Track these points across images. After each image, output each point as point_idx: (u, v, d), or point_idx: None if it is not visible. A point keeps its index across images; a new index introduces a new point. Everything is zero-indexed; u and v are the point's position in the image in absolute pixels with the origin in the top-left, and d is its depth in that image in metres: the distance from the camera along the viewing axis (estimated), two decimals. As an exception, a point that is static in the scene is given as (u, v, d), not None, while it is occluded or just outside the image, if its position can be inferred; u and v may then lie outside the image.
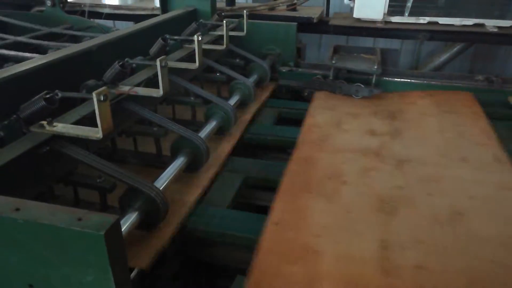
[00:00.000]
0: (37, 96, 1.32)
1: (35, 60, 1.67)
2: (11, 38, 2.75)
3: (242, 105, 2.50)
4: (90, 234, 0.83)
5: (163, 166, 1.69)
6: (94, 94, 1.22)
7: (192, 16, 3.21)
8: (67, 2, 3.84)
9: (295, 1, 3.50)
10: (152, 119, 1.74)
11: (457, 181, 1.74)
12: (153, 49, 2.06)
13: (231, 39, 2.83)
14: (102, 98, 1.23)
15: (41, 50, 2.81)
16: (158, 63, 1.60)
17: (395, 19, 3.37)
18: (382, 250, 1.34)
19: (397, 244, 1.36)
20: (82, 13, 3.96)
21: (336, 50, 3.06)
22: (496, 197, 1.64)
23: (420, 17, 3.31)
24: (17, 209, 0.89)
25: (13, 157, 1.20)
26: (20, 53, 2.29)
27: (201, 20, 2.65)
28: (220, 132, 2.13)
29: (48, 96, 1.29)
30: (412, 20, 3.34)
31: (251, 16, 3.55)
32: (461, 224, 1.47)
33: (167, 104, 2.28)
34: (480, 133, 2.18)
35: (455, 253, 1.33)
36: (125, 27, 2.98)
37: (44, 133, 1.34)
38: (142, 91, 1.69)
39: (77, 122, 1.44)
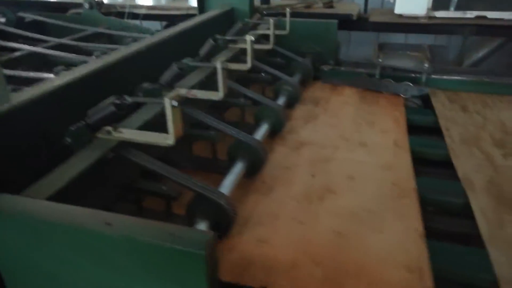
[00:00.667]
0: (106, 102, 1.28)
1: (92, 63, 1.65)
2: (54, 40, 2.76)
3: (288, 106, 2.43)
4: (189, 253, 0.79)
5: (220, 171, 1.65)
6: (166, 99, 1.17)
7: (230, 15, 3.16)
8: (103, 4, 3.86)
9: (335, -2, 3.41)
10: (209, 123, 1.69)
11: (345, 163, 1.86)
12: (203, 50, 2.02)
13: (264, 37, 2.77)
14: (175, 103, 1.19)
15: (85, 52, 2.83)
16: (218, 65, 1.55)
17: (440, 13, 3.24)
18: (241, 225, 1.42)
19: (256, 219, 1.45)
20: (117, 15, 3.96)
21: (381, 47, 2.96)
22: (373, 176, 1.76)
23: (467, 11, 3.17)
24: (108, 224, 0.86)
25: (86, 166, 1.17)
26: (68, 55, 2.28)
27: (246, 19, 2.58)
28: (272, 134, 2.08)
29: (118, 102, 1.26)
30: (458, 14, 3.20)
31: (292, 14, 3.48)
32: (328, 201, 1.58)
33: (215, 106, 2.23)
34: (392, 121, 2.32)
35: (308, 225, 1.43)
36: (158, 28, 2.97)
37: (111, 140, 1.31)
38: (201, 94, 1.65)
39: (141, 128, 1.41)
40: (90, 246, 0.88)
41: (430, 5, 3.24)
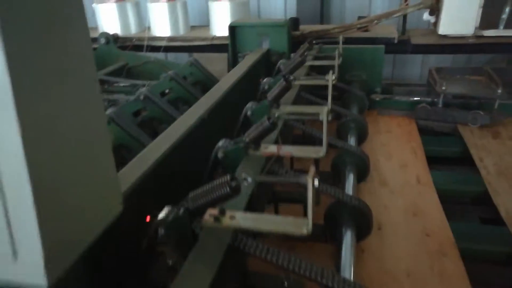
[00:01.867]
0: (216, 182, 0.98)
1: (173, 131, 1.37)
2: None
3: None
4: None
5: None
6: (308, 179, 0.88)
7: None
8: (118, 38, 3.59)
9: (375, 22, 3.18)
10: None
11: None
12: (273, 93, 1.73)
13: (318, 68, 2.52)
14: (316, 183, 0.90)
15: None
16: (324, 116, 1.27)
17: (489, 32, 3.03)
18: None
19: None
20: (134, 48, 3.68)
21: (435, 72, 2.72)
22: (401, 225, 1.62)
23: (518, 29, 2.97)
24: None
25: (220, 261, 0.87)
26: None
27: (306, 53, 2.31)
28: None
29: (233, 182, 0.95)
30: (508, 33, 3.00)
31: (326, 40, 3.25)
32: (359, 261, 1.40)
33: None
34: (409, 152, 2.20)
35: None
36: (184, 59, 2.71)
37: (218, 228, 1.01)
38: (298, 151, 1.35)
39: (247, 208, 1.11)
40: None
41: (477, 24, 3.03)
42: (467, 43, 3.07)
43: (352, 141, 2.04)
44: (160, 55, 4.18)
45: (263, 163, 1.33)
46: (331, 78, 1.65)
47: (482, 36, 3.06)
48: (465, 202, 2.02)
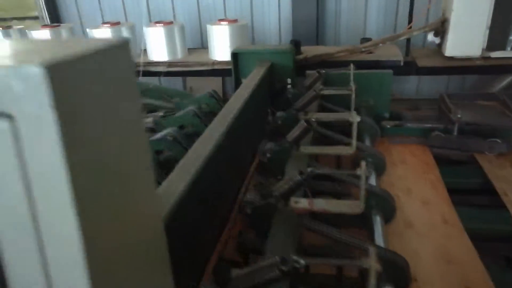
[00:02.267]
0: (263, 263, 0.86)
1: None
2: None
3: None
4: None
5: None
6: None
7: (270, 71, 2.82)
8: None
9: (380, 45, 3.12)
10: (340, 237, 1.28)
11: None
12: (294, 134, 1.63)
13: (326, 96, 2.44)
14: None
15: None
16: (362, 173, 1.16)
17: (496, 54, 2.99)
18: None
19: None
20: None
21: (447, 98, 2.65)
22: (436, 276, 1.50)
23: (525, 51, 2.94)
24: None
25: None
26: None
27: (321, 87, 2.21)
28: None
29: (284, 266, 0.84)
30: (516, 54, 2.96)
31: (329, 64, 3.18)
32: None
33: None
34: (429, 187, 2.10)
35: None
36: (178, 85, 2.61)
37: None
38: (333, 206, 1.24)
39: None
40: None
41: (484, 45, 2.99)
42: (475, 65, 3.03)
43: (373, 180, 1.94)
44: (153, 79, 4.08)
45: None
46: (355, 117, 1.56)
47: (489, 58, 3.02)
48: (490, 239, 1.93)
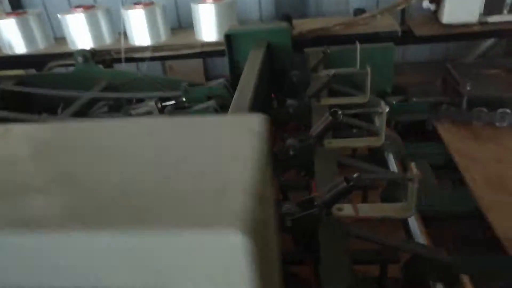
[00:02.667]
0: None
1: None
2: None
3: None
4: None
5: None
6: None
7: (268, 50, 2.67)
8: (96, 52, 3.21)
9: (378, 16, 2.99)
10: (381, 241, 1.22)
11: None
12: (318, 129, 1.53)
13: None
14: None
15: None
16: (415, 176, 1.08)
17: (493, 18, 2.92)
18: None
19: None
20: (112, 62, 3.33)
21: (453, 69, 2.59)
22: None
23: (523, 13, 2.88)
24: None
25: None
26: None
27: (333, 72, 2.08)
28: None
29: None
30: (513, 17, 2.91)
31: (327, 38, 3.04)
32: None
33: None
34: None
35: None
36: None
37: None
38: (379, 210, 1.17)
39: None
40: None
41: (482, 10, 2.92)
42: (472, 31, 2.96)
43: (392, 164, 1.87)
44: (131, 66, 3.85)
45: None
46: (384, 107, 1.47)
47: (487, 23, 2.95)
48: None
